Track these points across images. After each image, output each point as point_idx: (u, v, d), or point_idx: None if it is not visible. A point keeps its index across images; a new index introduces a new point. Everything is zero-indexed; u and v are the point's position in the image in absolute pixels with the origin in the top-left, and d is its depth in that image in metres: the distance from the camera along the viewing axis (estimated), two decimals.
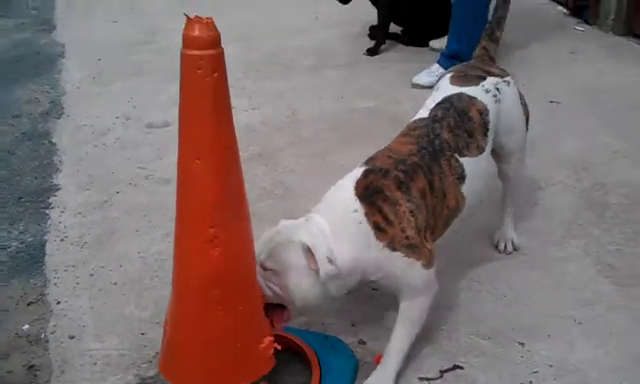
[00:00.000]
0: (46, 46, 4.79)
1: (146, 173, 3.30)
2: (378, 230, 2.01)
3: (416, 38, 4.69)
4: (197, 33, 1.59)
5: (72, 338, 2.38)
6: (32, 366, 2.29)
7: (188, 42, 1.61)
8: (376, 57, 4.54)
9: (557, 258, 2.69)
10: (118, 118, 3.79)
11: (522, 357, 2.26)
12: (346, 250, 1.98)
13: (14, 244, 2.86)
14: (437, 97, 2.38)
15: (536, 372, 2.20)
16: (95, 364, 2.28)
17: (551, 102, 3.80)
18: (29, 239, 2.88)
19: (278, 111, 3.77)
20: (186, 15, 1.62)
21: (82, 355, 2.31)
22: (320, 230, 1.99)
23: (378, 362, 2.23)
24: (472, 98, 2.33)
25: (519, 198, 2.82)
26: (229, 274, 1.76)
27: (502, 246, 2.76)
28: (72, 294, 2.57)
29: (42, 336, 2.40)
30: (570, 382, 2.17)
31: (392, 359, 2.12)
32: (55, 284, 2.63)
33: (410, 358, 2.25)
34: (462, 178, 2.22)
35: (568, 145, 3.42)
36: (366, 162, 2.19)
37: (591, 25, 4.95)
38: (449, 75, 2.49)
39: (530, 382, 2.17)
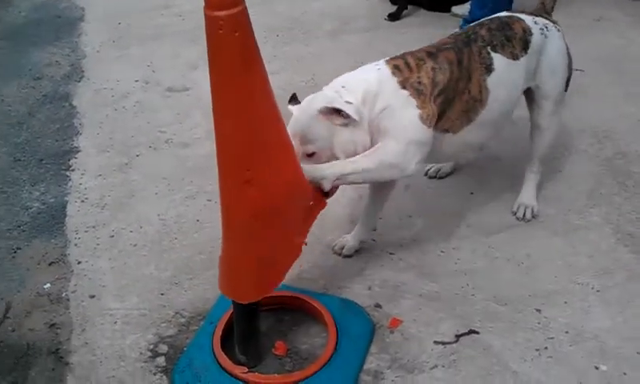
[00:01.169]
0: (66, 9, 4.79)
1: (165, 136, 3.31)
2: (396, 69, 2.21)
3: (438, 3, 4.63)
4: None
5: (92, 297, 2.42)
6: (53, 324, 2.33)
7: (208, 2, 1.60)
8: (397, 22, 4.49)
9: (576, 226, 2.68)
10: (137, 81, 3.79)
11: (539, 323, 2.26)
12: (357, 90, 2.16)
13: (36, 205, 2.89)
14: None
15: (552, 338, 2.20)
16: (115, 323, 2.31)
17: (575, 69, 3.73)
18: (50, 200, 2.91)
19: (298, 76, 3.75)
20: None
21: (102, 314, 2.35)
22: (332, 90, 2.17)
23: (394, 325, 2.25)
24: (520, 18, 2.48)
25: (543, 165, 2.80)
26: (266, 209, 1.85)
27: (520, 213, 2.74)
28: (92, 254, 2.61)
29: (63, 295, 2.43)
30: (586, 348, 2.17)
31: (339, 164, 2.13)
32: (76, 244, 2.66)
33: (425, 322, 2.27)
34: (489, 69, 2.32)
35: (591, 113, 3.38)
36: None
37: None
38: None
39: (546, 348, 2.17)
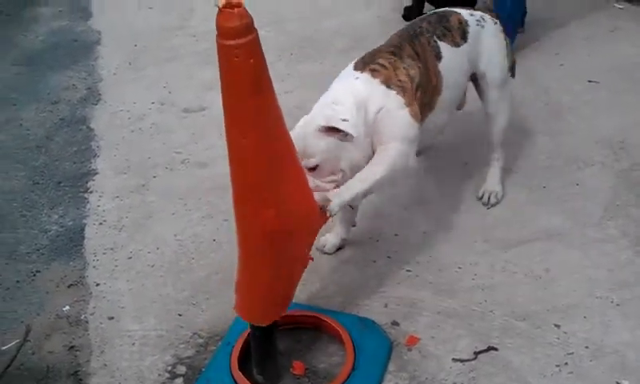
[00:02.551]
0: (83, 33, 4.84)
1: (182, 157, 3.34)
2: (374, 71, 2.29)
3: None
4: (229, 24, 1.59)
5: (111, 319, 2.43)
6: (72, 347, 2.35)
7: (222, 31, 1.61)
8: None
9: (594, 239, 2.66)
10: (153, 103, 3.82)
11: (558, 338, 2.24)
12: (348, 103, 2.22)
13: (54, 228, 2.92)
14: None
15: (571, 353, 2.19)
16: (134, 344, 2.32)
17: (590, 81, 3.72)
18: (68, 223, 2.94)
19: (312, 94, 3.73)
20: (217, 6, 1.61)
21: (120, 336, 2.36)
22: (324, 107, 2.24)
23: (411, 343, 2.24)
24: (456, 12, 2.63)
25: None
26: (281, 231, 1.85)
27: (485, 198, 2.86)
28: (110, 276, 2.63)
29: (82, 317, 2.45)
30: (606, 363, 2.15)
31: (351, 187, 2.17)
32: (94, 266, 2.68)
33: (443, 339, 2.26)
34: (439, 57, 2.45)
35: (606, 124, 3.36)
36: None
37: (631, 2, 4.82)
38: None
39: (566, 363, 2.16)
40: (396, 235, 2.71)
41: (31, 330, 2.42)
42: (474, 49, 2.60)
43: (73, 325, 2.43)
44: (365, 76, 2.29)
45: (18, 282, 2.64)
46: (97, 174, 3.25)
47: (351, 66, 2.38)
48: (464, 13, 2.63)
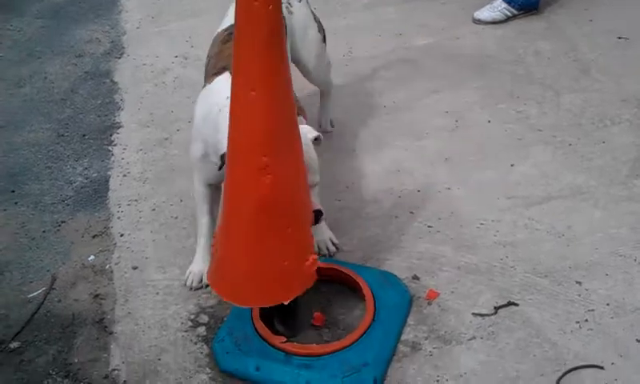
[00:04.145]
0: None
1: None
2: None
3: None
4: None
5: (135, 268, 2.47)
6: (97, 295, 2.39)
7: None
8: None
9: (619, 198, 2.63)
10: (176, 57, 3.81)
11: (579, 295, 2.24)
12: None
13: (79, 179, 2.95)
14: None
15: (592, 310, 2.18)
16: (157, 294, 2.36)
17: (619, 37, 3.64)
18: (93, 175, 2.97)
19: (335, 49, 3.72)
20: None
21: (144, 285, 2.40)
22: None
23: (431, 297, 2.25)
24: None
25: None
26: (278, 201, 1.79)
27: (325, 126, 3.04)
28: (135, 227, 2.66)
29: (107, 267, 2.50)
30: (627, 321, 2.14)
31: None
32: (119, 217, 2.71)
33: (463, 294, 2.27)
34: None
35: (635, 82, 3.29)
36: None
37: None
38: None
39: (586, 320, 2.15)
40: (418, 191, 2.70)
41: (57, 279, 2.47)
42: (290, 36, 2.58)
43: (98, 274, 2.47)
44: None
45: (43, 231, 2.69)
46: (121, 127, 3.27)
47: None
48: None
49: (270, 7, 1.62)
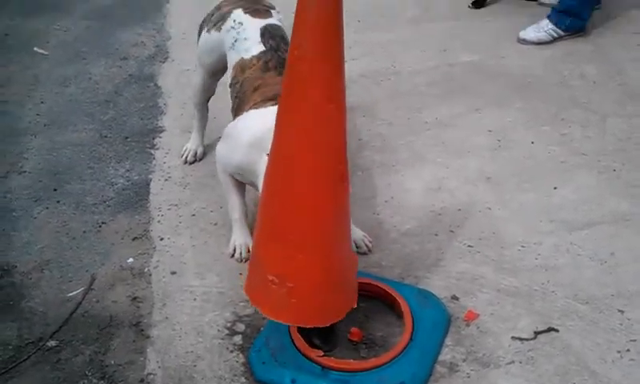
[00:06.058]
0: None
1: None
2: None
3: None
4: None
5: (173, 273, 2.48)
6: (135, 298, 2.41)
7: None
8: (482, 9, 4.39)
9: None
10: None
11: (621, 324, 2.20)
12: None
13: (121, 181, 2.98)
14: (247, 29, 2.59)
15: (634, 340, 2.14)
16: (195, 300, 2.37)
17: None
18: (134, 177, 3.00)
19: (378, 63, 3.73)
20: None
21: (182, 290, 2.41)
22: None
23: (470, 318, 2.23)
24: (279, 27, 2.64)
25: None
26: (348, 209, 1.86)
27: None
28: (174, 231, 2.67)
29: (145, 270, 2.51)
30: None
31: None
32: (159, 221, 2.73)
33: (503, 316, 2.24)
34: None
35: None
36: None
37: None
38: (240, 11, 2.66)
39: (628, 350, 2.11)
40: (459, 210, 2.68)
41: (96, 279, 2.49)
42: None
43: (136, 277, 2.49)
44: None
45: (84, 231, 2.72)
46: (163, 131, 3.30)
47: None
48: (279, 23, 2.67)
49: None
